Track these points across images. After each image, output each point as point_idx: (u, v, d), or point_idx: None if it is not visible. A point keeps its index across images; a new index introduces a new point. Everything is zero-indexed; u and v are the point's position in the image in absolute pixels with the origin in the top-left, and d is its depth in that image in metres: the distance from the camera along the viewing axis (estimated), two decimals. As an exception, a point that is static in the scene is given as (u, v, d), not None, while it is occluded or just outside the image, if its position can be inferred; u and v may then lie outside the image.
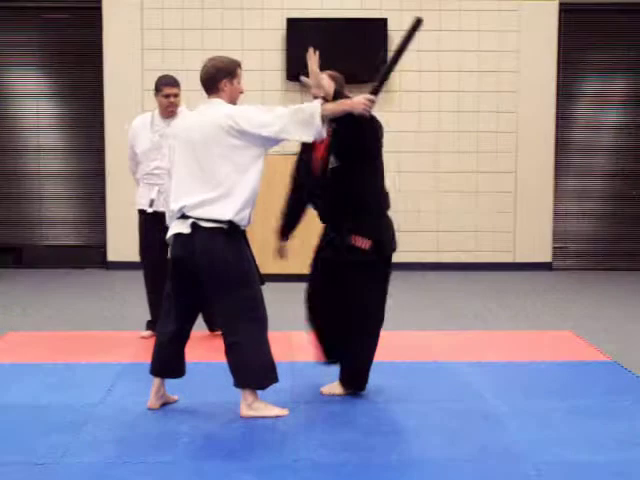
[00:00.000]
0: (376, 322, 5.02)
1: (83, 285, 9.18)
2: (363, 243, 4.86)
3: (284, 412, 4.73)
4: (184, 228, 4.56)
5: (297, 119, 4.48)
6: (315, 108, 4.48)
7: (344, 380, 5.08)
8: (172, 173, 4.74)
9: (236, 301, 4.55)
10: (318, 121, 4.47)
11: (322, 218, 5.09)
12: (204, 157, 4.53)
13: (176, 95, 6.27)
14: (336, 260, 4.93)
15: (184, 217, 4.57)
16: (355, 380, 5.06)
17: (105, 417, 4.70)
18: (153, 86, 6.40)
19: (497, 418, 4.71)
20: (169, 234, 4.66)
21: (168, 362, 4.81)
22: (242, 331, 4.56)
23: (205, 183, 4.52)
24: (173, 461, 4.08)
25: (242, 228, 4.62)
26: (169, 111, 6.26)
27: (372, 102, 4.68)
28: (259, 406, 4.68)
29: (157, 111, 6.38)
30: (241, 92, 4.79)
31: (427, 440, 4.37)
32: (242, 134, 4.50)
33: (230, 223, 4.52)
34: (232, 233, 4.54)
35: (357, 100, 4.65)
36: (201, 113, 4.66)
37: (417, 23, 5.00)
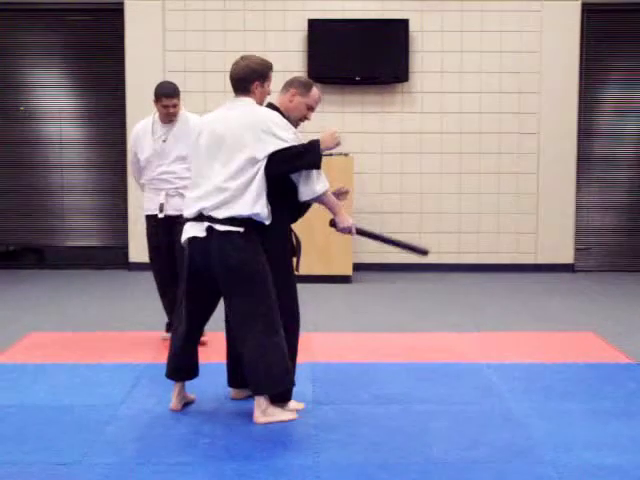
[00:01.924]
0: None
1: (105, 286, 9.22)
2: None
3: (295, 415, 4.71)
4: (199, 232, 4.53)
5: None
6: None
7: None
8: (193, 169, 4.72)
9: (251, 305, 4.51)
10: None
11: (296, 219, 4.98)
12: (230, 153, 4.51)
13: (175, 105, 6.16)
14: None
15: (200, 219, 4.54)
16: None
17: (126, 417, 4.72)
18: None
19: (518, 419, 4.70)
20: (184, 237, 4.63)
21: (182, 365, 4.81)
22: (255, 336, 4.51)
23: (226, 179, 4.49)
24: (194, 462, 4.10)
25: (264, 223, 4.56)
26: (168, 119, 6.23)
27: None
28: (273, 411, 4.65)
29: (157, 116, 6.30)
30: (268, 94, 4.79)
31: (448, 441, 4.36)
32: (275, 137, 4.51)
33: (247, 223, 4.50)
34: (248, 235, 4.51)
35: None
36: (231, 109, 4.65)
37: (423, 253, 5.00)
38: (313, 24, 9.72)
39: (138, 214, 9.86)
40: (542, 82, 9.96)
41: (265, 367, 4.52)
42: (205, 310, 4.77)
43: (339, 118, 9.84)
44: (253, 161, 4.49)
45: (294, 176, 4.59)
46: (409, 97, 9.94)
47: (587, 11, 9.99)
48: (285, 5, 9.88)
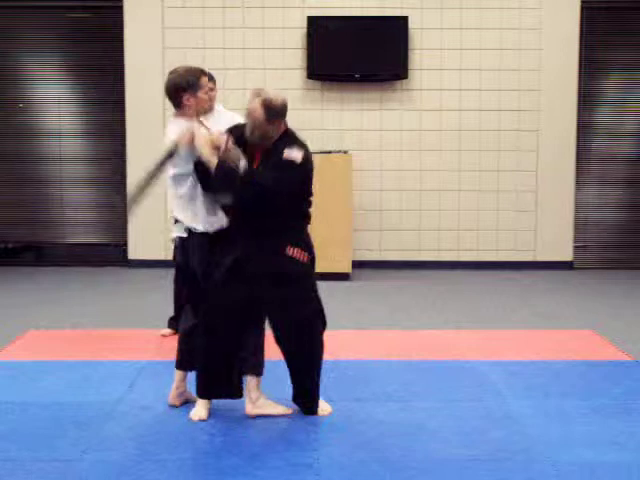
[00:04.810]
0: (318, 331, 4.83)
1: (104, 283, 9.22)
2: (301, 255, 4.72)
3: (289, 411, 4.74)
4: (183, 232, 4.71)
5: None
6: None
7: (305, 402, 4.76)
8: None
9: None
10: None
11: (246, 222, 4.59)
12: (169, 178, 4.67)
13: (212, 89, 6.20)
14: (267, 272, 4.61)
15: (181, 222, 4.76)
16: (310, 400, 4.76)
17: (126, 414, 4.73)
18: None
19: (517, 417, 4.70)
20: (173, 235, 4.81)
21: (188, 355, 4.83)
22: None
23: (176, 200, 4.70)
24: (193, 458, 4.11)
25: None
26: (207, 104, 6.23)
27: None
28: (264, 403, 4.71)
29: None
30: (211, 100, 4.83)
31: (447, 439, 4.37)
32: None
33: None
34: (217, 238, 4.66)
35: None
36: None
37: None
38: (312, 21, 9.71)
39: (137, 212, 9.88)
40: (541, 79, 9.95)
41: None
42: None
43: (338, 115, 9.85)
44: (178, 178, 4.61)
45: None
46: (408, 94, 9.94)
47: (586, 8, 9.98)
48: (284, 2, 9.87)
